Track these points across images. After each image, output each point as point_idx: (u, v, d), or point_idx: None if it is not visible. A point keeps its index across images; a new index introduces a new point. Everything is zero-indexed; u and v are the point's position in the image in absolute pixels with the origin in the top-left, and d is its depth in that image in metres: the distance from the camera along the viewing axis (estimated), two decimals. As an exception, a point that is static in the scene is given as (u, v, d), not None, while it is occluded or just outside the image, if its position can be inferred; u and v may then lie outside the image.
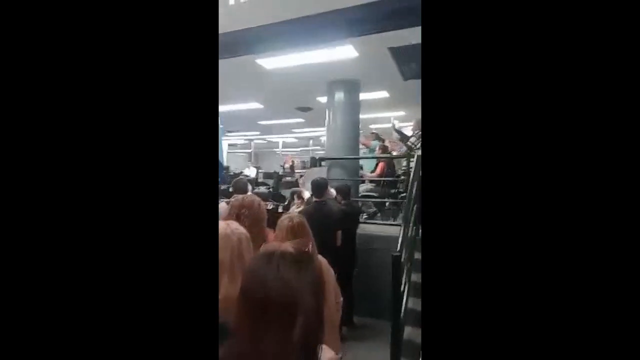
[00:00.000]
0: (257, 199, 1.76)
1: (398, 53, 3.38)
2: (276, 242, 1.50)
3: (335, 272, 1.65)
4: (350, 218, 3.08)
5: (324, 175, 3.51)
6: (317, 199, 2.86)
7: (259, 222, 1.53)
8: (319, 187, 2.87)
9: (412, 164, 3.47)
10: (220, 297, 0.75)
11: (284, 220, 1.58)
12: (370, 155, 4.98)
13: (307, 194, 3.11)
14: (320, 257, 1.58)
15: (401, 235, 2.60)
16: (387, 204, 4.39)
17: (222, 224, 0.97)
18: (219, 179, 2.76)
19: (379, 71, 3.99)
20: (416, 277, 2.63)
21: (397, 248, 2.39)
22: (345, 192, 3.11)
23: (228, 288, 0.84)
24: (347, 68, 3.86)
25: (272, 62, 3.75)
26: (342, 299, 1.69)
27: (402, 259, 2.33)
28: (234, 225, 1.01)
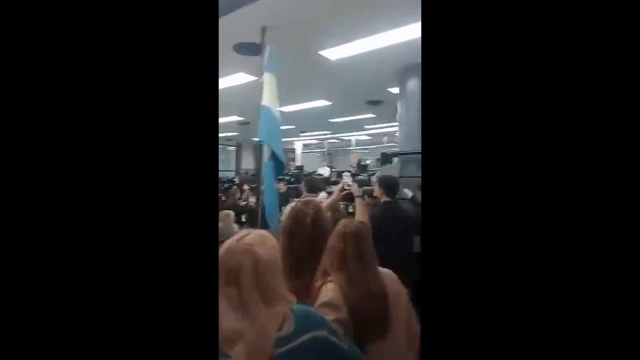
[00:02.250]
0: (316, 204, 1.49)
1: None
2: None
3: (411, 287, 1.28)
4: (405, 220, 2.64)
5: (396, 173, 3.11)
6: (386, 199, 2.49)
7: (312, 241, 1.24)
8: (388, 186, 2.50)
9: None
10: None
11: (338, 226, 1.28)
12: None
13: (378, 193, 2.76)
14: (384, 270, 1.24)
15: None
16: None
17: (237, 237, 0.71)
18: (277, 177, 2.60)
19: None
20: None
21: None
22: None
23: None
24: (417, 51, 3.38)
25: (336, 52, 3.47)
26: (419, 326, 1.22)
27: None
28: (258, 237, 0.74)
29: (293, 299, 0.70)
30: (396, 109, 4.09)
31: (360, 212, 1.97)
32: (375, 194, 2.67)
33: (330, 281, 1.11)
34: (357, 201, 2.07)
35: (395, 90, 4.68)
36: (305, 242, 1.31)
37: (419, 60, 3.58)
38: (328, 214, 1.51)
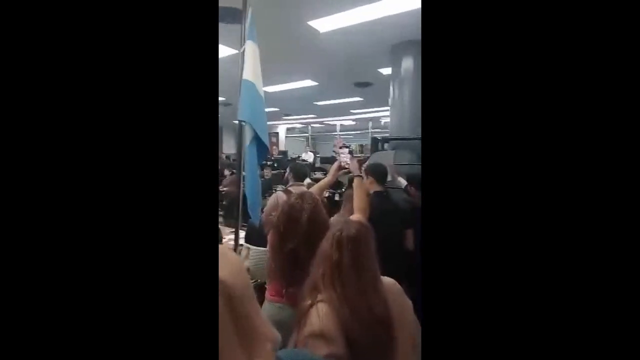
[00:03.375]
0: (313, 199, 1.23)
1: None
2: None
3: (407, 289, 1.08)
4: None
5: (391, 160, 2.85)
6: (377, 189, 2.22)
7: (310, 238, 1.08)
8: (377, 174, 2.23)
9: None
10: None
11: (333, 228, 1.02)
12: None
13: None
14: (386, 280, 1.02)
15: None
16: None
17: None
18: (260, 162, 2.25)
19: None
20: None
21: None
22: (420, 181, 2.42)
23: None
24: (416, 24, 3.08)
25: (326, 23, 3.13)
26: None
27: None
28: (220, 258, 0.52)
29: (276, 335, 0.56)
30: (386, 92, 3.82)
31: (360, 197, 1.66)
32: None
33: (321, 301, 0.90)
34: (356, 182, 1.73)
35: (386, 71, 4.40)
36: (301, 243, 1.15)
37: (416, 37, 3.25)
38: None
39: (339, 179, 3.55)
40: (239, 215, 2.14)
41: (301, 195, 1.29)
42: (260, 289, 1.72)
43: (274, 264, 1.23)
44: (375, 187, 2.21)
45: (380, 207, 2.07)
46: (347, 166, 1.94)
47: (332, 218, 1.35)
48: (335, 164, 1.99)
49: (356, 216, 1.53)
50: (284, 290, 1.19)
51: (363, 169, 2.23)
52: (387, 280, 1.02)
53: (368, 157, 3.53)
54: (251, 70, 2.10)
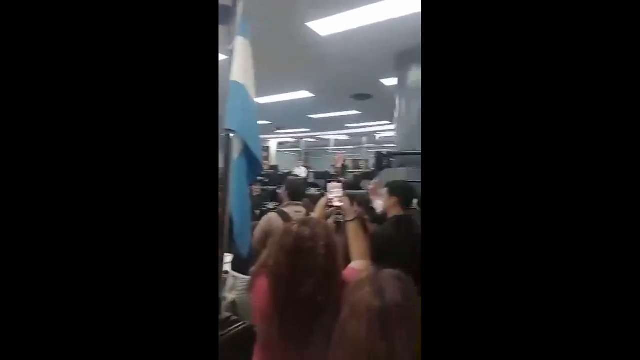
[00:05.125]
0: (327, 231, 0.94)
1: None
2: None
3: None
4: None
5: (404, 177, 2.47)
6: (400, 213, 1.77)
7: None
8: (404, 194, 1.78)
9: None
10: None
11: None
12: None
13: (379, 204, 2.10)
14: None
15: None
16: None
17: None
18: (252, 179, 1.80)
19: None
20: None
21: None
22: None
23: None
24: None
25: (327, 25, 2.81)
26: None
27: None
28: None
29: None
30: (386, 105, 3.51)
31: (357, 244, 1.21)
32: (383, 206, 2.04)
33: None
34: (350, 228, 1.26)
35: (388, 82, 4.11)
36: (315, 287, 0.86)
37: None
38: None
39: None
40: (222, 239, 1.70)
41: (307, 222, 0.91)
42: (248, 334, 1.30)
43: (277, 321, 0.84)
44: (397, 211, 1.77)
45: (406, 235, 1.65)
46: (335, 204, 1.42)
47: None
48: (322, 201, 1.45)
49: (359, 264, 1.13)
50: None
51: (385, 189, 1.84)
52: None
53: (365, 175, 3.19)
54: (242, 70, 1.70)
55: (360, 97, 5.13)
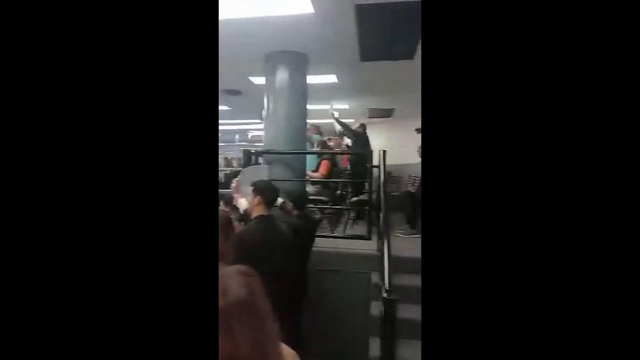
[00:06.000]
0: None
1: (365, 16, 2.58)
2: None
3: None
4: (306, 236, 2.18)
5: (265, 175, 2.51)
6: (264, 213, 1.80)
7: None
8: (270, 193, 1.83)
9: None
10: None
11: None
12: (341, 151, 4.38)
13: (244, 203, 2.07)
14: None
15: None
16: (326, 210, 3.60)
17: None
18: None
19: (333, 45, 3.15)
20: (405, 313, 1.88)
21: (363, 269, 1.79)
22: (299, 198, 2.17)
23: None
24: (295, 34, 2.92)
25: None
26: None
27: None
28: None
29: None
30: (256, 102, 3.53)
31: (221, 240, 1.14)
32: (247, 205, 2.01)
33: None
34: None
35: (257, 80, 4.12)
36: None
37: (291, 47, 3.04)
38: None
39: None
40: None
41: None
42: None
43: None
44: (262, 210, 1.80)
45: (269, 236, 1.70)
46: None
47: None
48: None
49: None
50: None
51: (251, 188, 1.83)
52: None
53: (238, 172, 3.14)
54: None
55: (230, 92, 4.97)
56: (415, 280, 2.29)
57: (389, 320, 1.39)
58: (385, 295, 1.47)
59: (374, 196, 2.94)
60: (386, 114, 6.82)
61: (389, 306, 1.41)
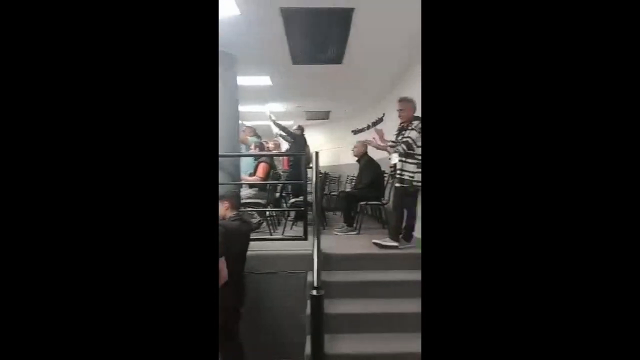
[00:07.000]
0: None
1: (292, 19, 2.62)
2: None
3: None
4: (242, 239, 2.13)
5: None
6: (232, 214, 1.99)
7: None
8: (236, 198, 2.05)
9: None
10: None
11: None
12: (275, 153, 4.38)
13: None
14: None
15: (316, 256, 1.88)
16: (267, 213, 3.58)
17: None
18: None
19: (264, 47, 3.13)
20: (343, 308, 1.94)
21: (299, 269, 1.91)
22: (234, 201, 2.11)
23: None
24: (221, 35, 2.84)
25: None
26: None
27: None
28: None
29: None
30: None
31: None
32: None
33: None
34: None
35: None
36: None
37: (220, 48, 2.99)
38: None
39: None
40: None
41: None
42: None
43: None
44: (231, 213, 2.03)
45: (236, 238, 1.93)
46: None
47: None
48: None
49: None
50: None
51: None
52: None
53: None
54: None
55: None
56: (347, 276, 2.38)
57: (315, 316, 1.42)
58: (313, 292, 1.50)
59: (311, 197, 2.98)
60: (323, 116, 6.96)
61: (315, 303, 1.44)
